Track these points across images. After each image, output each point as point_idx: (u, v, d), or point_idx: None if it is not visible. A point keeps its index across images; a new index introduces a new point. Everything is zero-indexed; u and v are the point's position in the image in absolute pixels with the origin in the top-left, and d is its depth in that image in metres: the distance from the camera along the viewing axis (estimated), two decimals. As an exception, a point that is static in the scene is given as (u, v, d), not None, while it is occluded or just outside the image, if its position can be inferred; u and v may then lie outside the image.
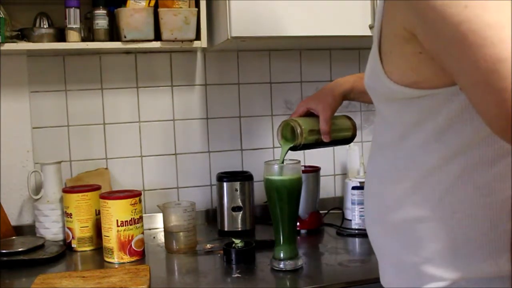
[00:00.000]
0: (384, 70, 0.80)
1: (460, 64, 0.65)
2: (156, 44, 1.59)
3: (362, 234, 1.62)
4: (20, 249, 1.47)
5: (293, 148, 1.28)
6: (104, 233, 1.47)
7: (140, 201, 1.48)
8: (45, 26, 1.61)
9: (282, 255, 1.33)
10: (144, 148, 1.84)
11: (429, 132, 0.78)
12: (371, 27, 1.54)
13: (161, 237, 1.67)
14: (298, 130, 1.24)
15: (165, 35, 1.57)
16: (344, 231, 1.68)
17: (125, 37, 1.56)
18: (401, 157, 0.83)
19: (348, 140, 1.37)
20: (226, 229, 1.69)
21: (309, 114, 1.30)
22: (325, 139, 1.27)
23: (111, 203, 1.45)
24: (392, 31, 0.76)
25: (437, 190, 0.79)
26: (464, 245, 0.78)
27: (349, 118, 1.37)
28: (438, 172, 0.78)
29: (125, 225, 1.44)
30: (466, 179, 0.77)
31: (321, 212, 1.78)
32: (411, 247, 0.82)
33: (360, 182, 1.77)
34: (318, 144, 1.29)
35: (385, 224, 0.87)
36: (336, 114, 1.30)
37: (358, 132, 1.38)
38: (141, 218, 1.49)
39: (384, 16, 0.78)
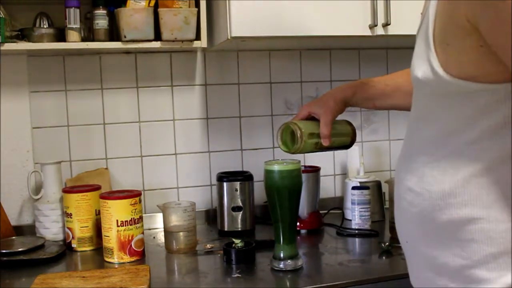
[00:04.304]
0: (439, 62, 0.76)
1: None
2: (156, 44, 1.59)
3: (362, 234, 1.62)
4: (20, 249, 1.47)
5: (292, 152, 1.28)
6: (104, 233, 1.47)
7: (140, 201, 1.48)
8: (45, 26, 1.60)
9: (282, 255, 1.33)
10: (144, 148, 1.84)
11: (483, 130, 0.75)
12: (371, 27, 1.54)
13: (161, 237, 1.67)
14: (298, 133, 1.23)
15: (165, 35, 1.57)
16: (344, 231, 1.68)
17: (125, 37, 1.56)
18: (448, 155, 0.80)
19: (346, 146, 1.35)
20: (226, 229, 1.69)
21: (310, 118, 1.30)
22: (325, 142, 1.26)
23: (111, 203, 1.45)
24: (452, 22, 0.73)
25: (490, 192, 0.76)
26: None
27: (349, 123, 1.36)
28: (492, 173, 0.76)
29: (125, 225, 1.44)
30: None
31: (321, 212, 1.78)
32: (459, 249, 0.79)
33: (360, 182, 1.77)
34: (317, 148, 1.28)
35: (426, 224, 0.83)
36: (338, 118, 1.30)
37: (358, 132, 1.38)
38: (141, 218, 1.49)
39: (442, 6, 0.75)
